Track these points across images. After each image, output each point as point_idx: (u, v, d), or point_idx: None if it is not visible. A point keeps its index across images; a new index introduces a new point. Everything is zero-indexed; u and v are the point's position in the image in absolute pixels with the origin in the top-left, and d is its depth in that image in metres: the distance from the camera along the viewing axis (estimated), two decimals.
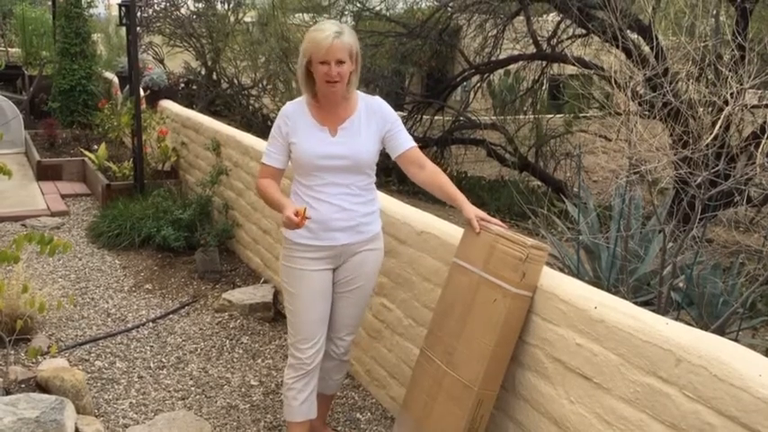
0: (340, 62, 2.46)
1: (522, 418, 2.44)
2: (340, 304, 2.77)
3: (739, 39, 4.10)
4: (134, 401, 3.37)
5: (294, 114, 2.61)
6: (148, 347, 3.93)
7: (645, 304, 2.92)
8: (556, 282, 2.34)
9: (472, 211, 2.56)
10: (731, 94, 2.98)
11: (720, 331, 2.89)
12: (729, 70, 3.14)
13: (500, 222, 2.53)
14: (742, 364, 1.73)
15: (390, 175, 8.50)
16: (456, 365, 2.45)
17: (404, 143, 2.67)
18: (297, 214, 2.43)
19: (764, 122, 5.23)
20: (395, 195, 3.49)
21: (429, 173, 2.67)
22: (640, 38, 6.16)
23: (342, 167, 2.57)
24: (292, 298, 2.69)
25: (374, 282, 2.82)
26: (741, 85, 2.93)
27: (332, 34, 2.43)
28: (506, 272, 2.34)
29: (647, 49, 5.87)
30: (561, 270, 3.39)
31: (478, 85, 9.63)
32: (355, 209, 2.62)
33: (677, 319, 2.88)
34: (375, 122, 2.62)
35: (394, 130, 2.65)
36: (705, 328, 2.81)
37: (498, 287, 2.35)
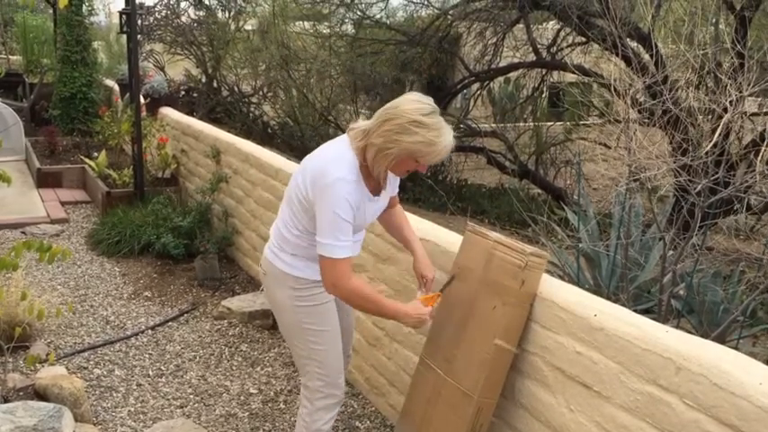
0: None
1: (522, 427, 2.43)
2: (349, 319, 2.75)
3: (738, 46, 4.11)
4: (132, 409, 3.35)
5: (358, 194, 2.28)
6: (147, 355, 3.92)
7: (645, 312, 2.91)
8: (555, 289, 2.33)
9: (423, 266, 2.53)
10: (730, 101, 2.98)
11: (721, 339, 2.88)
12: (729, 78, 3.14)
13: (433, 300, 2.46)
14: (742, 372, 1.73)
15: None
16: (455, 373, 2.44)
17: (395, 189, 2.58)
18: (427, 305, 2.40)
19: (764, 130, 5.23)
20: None
21: (394, 213, 2.63)
22: (640, 46, 6.17)
23: (371, 221, 2.53)
24: (321, 336, 2.48)
25: None
26: (740, 92, 2.93)
27: (450, 141, 2.24)
28: (505, 279, 2.33)
29: (646, 57, 5.88)
30: (561, 278, 3.38)
31: (478, 92, 9.64)
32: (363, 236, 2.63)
33: (678, 327, 2.87)
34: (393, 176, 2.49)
35: (395, 182, 2.55)
36: (705, 336, 2.80)
37: (497, 295, 2.34)
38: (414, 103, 2.23)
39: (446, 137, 2.23)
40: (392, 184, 2.52)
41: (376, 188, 2.40)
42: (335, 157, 2.29)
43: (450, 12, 8.73)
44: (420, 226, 3.09)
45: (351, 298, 2.32)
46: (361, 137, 2.29)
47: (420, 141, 2.19)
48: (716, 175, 2.87)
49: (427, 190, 8.36)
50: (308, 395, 2.55)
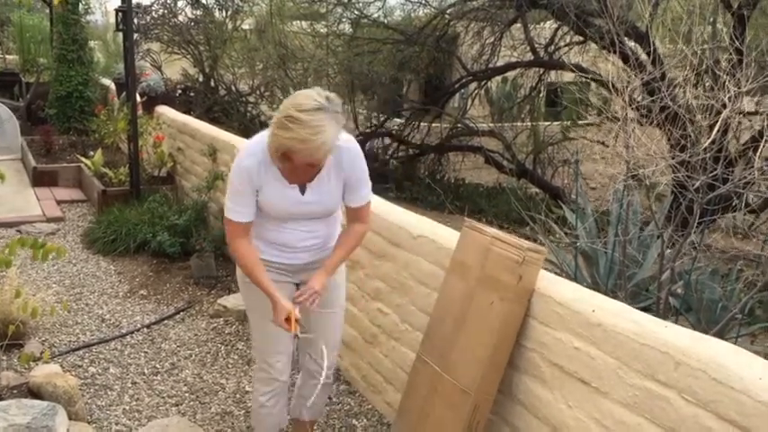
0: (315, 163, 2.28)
1: (520, 423, 2.41)
2: (314, 322, 2.65)
3: (737, 43, 4.10)
4: (127, 408, 3.33)
5: (259, 167, 2.35)
6: (143, 353, 3.89)
7: (643, 310, 2.88)
8: (553, 285, 2.32)
9: (317, 283, 2.44)
10: (729, 97, 2.97)
11: (719, 337, 2.86)
12: (727, 74, 3.12)
13: (293, 328, 2.43)
14: (742, 367, 1.71)
15: (388, 182, 8.49)
16: (452, 370, 2.42)
17: (351, 200, 2.51)
18: (287, 319, 2.34)
19: (762, 128, 5.22)
20: (392, 202, 3.46)
21: (344, 232, 2.58)
22: (637, 45, 6.16)
23: (312, 215, 2.49)
24: (250, 311, 2.63)
25: (343, 295, 2.73)
26: (738, 88, 2.92)
27: (322, 141, 2.17)
28: (503, 275, 2.31)
29: (644, 56, 5.87)
30: (559, 276, 3.36)
31: (476, 92, 9.63)
32: (322, 232, 2.54)
33: (676, 324, 2.85)
34: (340, 175, 2.44)
35: (349, 186, 2.47)
36: (704, 333, 2.78)
37: (495, 290, 2.32)
38: (301, 97, 2.21)
39: (324, 135, 2.15)
40: (348, 191, 2.46)
41: (296, 177, 2.35)
42: (251, 139, 2.45)
43: (448, 11, 8.71)
44: (416, 223, 3.07)
45: (236, 257, 2.50)
46: None
47: (293, 138, 2.15)
48: (714, 172, 2.86)
49: (425, 189, 8.35)
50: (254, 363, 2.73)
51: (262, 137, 2.38)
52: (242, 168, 2.37)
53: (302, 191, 2.41)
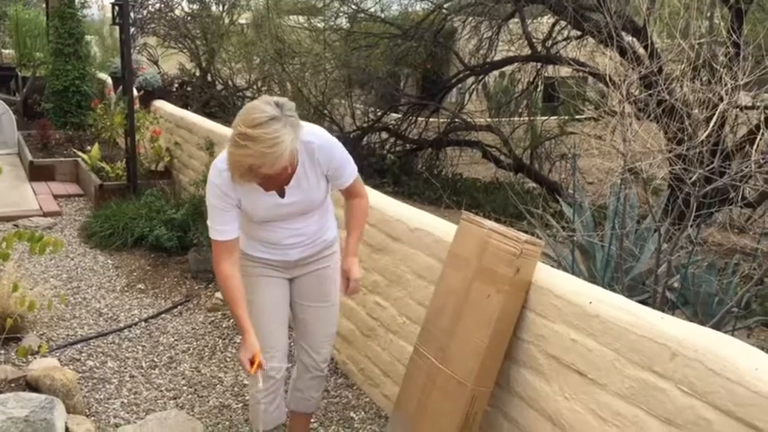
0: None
1: (517, 415, 2.42)
2: (308, 316, 2.67)
3: (734, 37, 4.10)
4: (125, 401, 3.33)
5: (231, 186, 2.30)
6: (140, 347, 3.90)
7: (640, 303, 2.90)
8: (550, 277, 2.32)
9: (350, 263, 2.51)
10: (726, 91, 2.97)
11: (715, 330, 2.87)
12: (724, 68, 3.13)
13: (356, 289, 2.55)
14: (738, 357, 1.72)
15: (385, 177, 8.48)
16: (450, 362, 2.42)
17: (342, 184, 2.52)
18: (252, 361, 2.33)
19: (759, 121, 5.23)
20: (390, 196, 3.46)
21: (348, 209, 2.60)
22: (635, 39, 6.16)
23: (297, 214, 2.48)
24: (249, 304, 2.52)
25: (337, 289, 2.70)
26: (735, 81, 2.92)
27: (277, 155, 2.09)
28: (500, 267, 2.32)
29: (641, 50, 5.87)
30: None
31: (474, 86, 9.62)
32: (308, 229, 2.54)
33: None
34: (317, 169, 2.42)
35: (331, 175, 2.46)
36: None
37: (492, 283, 2.33)
38: (251, 110, 2.12)
39: (282, 145, 2.08)
40: (332, 179, 2.46)
41: (271, 185, 2.29)
42: (217, 159, 2.36)
43: (445, 5, 8.70)
44: (414, 216, 3.08)
45: (220, 283, 2.42)
46: None
47: (250, 155, 2.08)
48: (711, 165, 2.86)
49: (422, 183, 8.35)
50: None
51: (222, 158, 2.31)
52: (215, 187, 2.32)
53: (281, 195, 2.38)
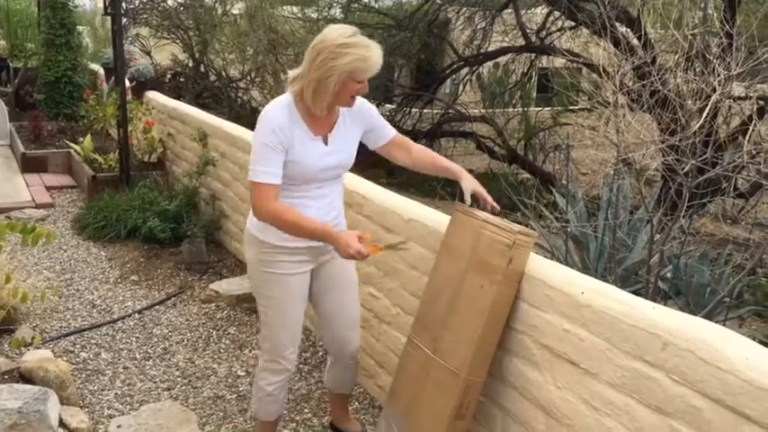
0: None
1: (510, 405, 2.43)
2: (333, 307, 2.70)
3: (727, 27, 4.11)
4: (119, 392, 3.34)
5: (288, 125, 2.37)
6: (134, 338, 3.90)
7: (633, 294, 2.91)
8: (543, 268, 2.33)
9: (471, 183, 2.59)
10: (719, 82, 2.97)
11: (707, 320, 2.89)
12: (717, 58, 3.13)
13: (494, 204, 2.60)
14: (728, 347, 1.73)
15: (380, 168, 8.47)
16: (443, 352, 2.43)
17: (388, 133, 2.67)
18: (361, 240, 2.35)
19: (752, 112, 5.24)
20: (384, 188, 3.46)
21: (417, 152, 2.71)
22: (629, 30, 6.16)
23: (336, 174, 2.55)
24: (269, 302, 2.56)
25: (353, 267, 2.76)
26: (729, 72, 2.92)
27: (380, 53, 2.35)
28: (493, 258, 2.32)
29: (635, 41, 5.87)
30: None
31: (468, 77, 9.61)
32: (339, 204, 2.61)
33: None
34: (358, 123, 2.57)
35: (376, 126, 2.62)
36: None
37: (485, 273, 2.33)
38: (334, 31, 2.34)
39: (376, 50, 2.34)
40: (376, 130, 2.62)
41: (319, 128, 2.45)
42: (271, 103, 2.45)
43: None
44: (408, 207, 3.08)
45: (274, 221, 2.37)
46: (297, 81, 2.40)
47: (354, 59, 2.29)
48: (704, 155, 2.87)
49: (416, 175, 8.33)
50: (260, 353, 2.72)
51: (280, 100, 2.43)
52: (272, 122, 2.35)
53: (325, 142, 2.47)
